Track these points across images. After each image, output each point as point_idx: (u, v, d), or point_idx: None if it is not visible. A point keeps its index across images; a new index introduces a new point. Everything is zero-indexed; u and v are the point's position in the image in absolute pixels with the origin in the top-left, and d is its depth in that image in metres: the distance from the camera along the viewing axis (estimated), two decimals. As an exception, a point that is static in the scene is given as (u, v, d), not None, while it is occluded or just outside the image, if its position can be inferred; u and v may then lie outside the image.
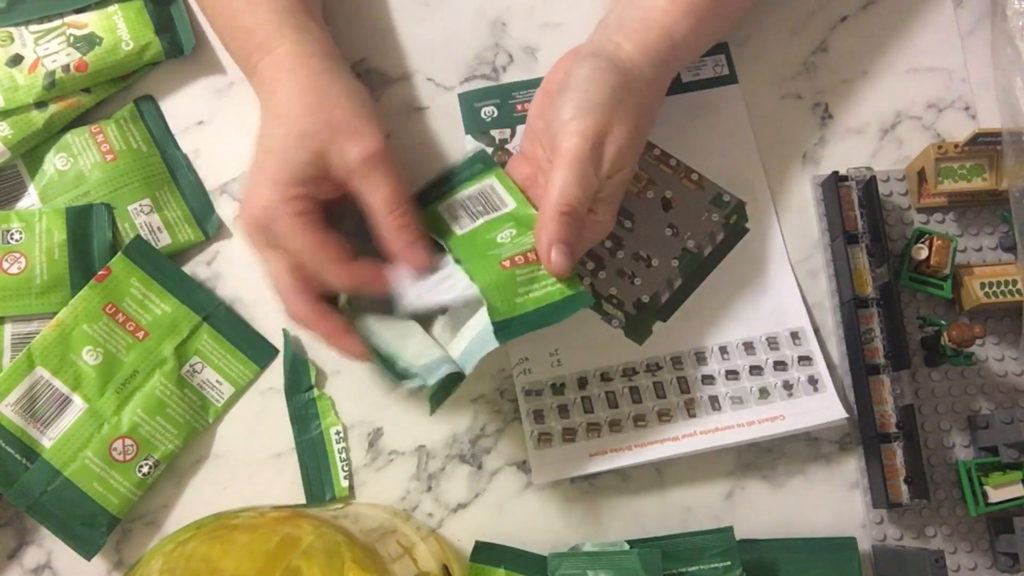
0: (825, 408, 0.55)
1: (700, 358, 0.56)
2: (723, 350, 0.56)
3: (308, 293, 0.51)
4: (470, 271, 0.50)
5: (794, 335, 0.57)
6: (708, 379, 0.56)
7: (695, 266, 0.58)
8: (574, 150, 0.48)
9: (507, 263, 0.50)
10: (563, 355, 0.56)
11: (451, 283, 0.50)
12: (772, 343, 0.56)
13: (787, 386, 0.55)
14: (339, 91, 0.51)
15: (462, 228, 0.53)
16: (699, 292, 0.57)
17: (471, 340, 0.50)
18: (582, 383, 0.56)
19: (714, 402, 0.55)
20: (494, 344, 0.47)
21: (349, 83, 0.52)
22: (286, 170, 0.49)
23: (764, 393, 0.55)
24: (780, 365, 0.56)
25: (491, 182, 0.55)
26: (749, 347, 0.56)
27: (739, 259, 0.58)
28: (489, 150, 0.59)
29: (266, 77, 0.52)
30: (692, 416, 0.55)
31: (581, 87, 0.50)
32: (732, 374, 0.56)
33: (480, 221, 0.53)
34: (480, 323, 0.49)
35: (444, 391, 0.50)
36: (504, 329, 0.48)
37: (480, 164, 0.56)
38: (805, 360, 0.56)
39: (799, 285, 0.58)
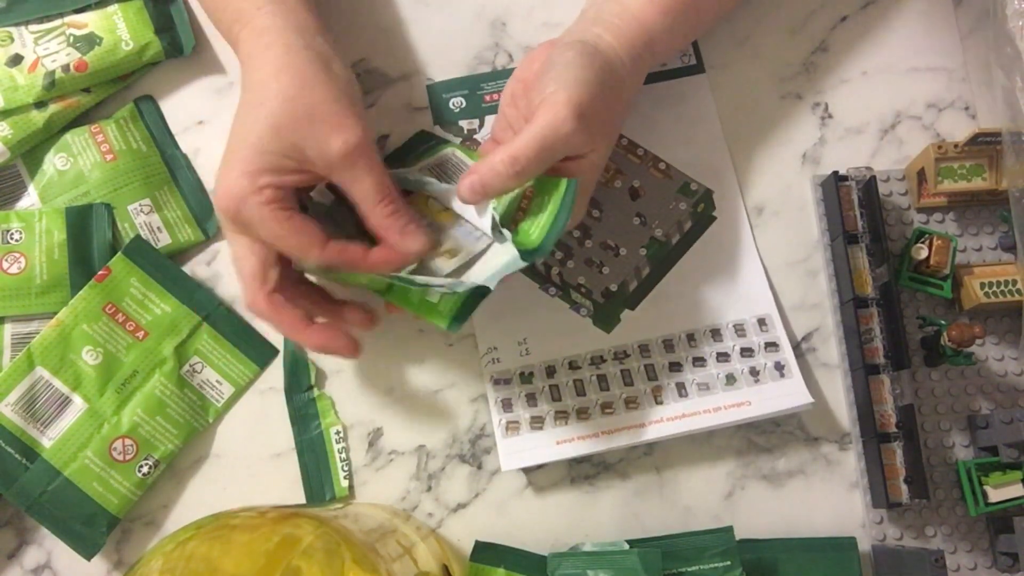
0: (791, 394, 0.55)
1: (667, 346, 0.56)
2: (690, 337, 0.56)
3: (266, 284, 0.50)
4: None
5: (761, 322, 0.57)
6: (675, 366, 0.56)
7: (663, 254, 0.58)
8: (549, 115, 0.48)
9: (519, 214, 0.51)
10: (531, 344, 0.56)
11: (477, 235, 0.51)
12: (739, 330, 0.57)
13: (753, 372, 0.56)
14: (316, 73, 0.49)
15: (445, 194, 0.53)
16: (667, 280, 0.58)
17: (498, 267, 0.49)
18: (550, 371, 0.56)
19: (681, 389, 0.55)
20: (521, 264, 0.48)
21: (328, 63, 0.50)
22: (258, 161, 0.48)
23: (731, 379, 0.55)
24: (747, 352, 0.56)
25: (452, 151, 0.56)
26: (716, 334, 0.56)
27: (707, 247, 0.58)
28: (457, 140, 0.59)
29: (246, 51, 0.51)
30: (659, 403, 0.55)
31: (565, 65, 0.50)
32: (699, 361, 0.56)
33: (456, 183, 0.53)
34: (504, 255, 0.50)
35: (469, 306, 0.50)
36: (530, 253, 0.49)
37: (432, 140, 0.57)
38: (771, 346, 0.56)
39: (766, 272, 0.58)
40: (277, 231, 0.48)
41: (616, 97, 0.51)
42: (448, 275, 0.50)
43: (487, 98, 0.60)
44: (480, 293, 0.49)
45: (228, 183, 0.49)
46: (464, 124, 0.60)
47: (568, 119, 0.48)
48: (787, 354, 0.56)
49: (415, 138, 0.59)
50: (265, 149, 0.48)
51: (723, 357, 0.56)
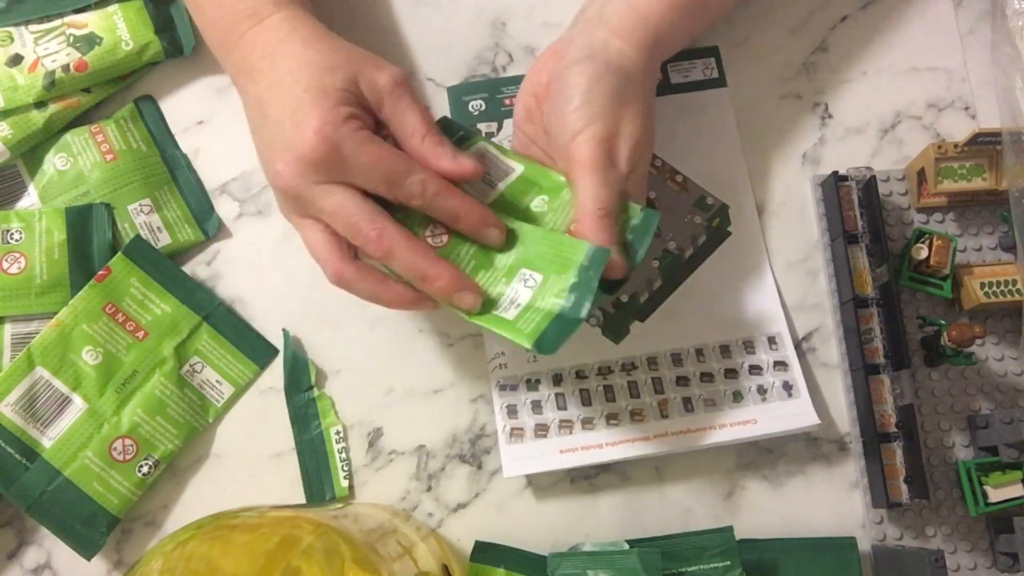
0: (798, 414, 0.55)
1: (676, 359, 0.56)
2: (699, 352, 0.56)
3: (350, 252, 0.49)
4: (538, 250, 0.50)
5: (771, 340, 0.57)
6: (683, 380, 0.56)
7: (675, 267, 0.58)
8: (591, 157, 0.49)
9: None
10: None
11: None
12: (748, 347, 0.56)
13: (761, 391, 0.55)
14: (342, 40, 0.51)
15: (485, 196, 0.52)
16: (678, 293, 0.57)
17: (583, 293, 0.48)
18: (557, 380, 0.56)
19: (687, 404, 0.55)
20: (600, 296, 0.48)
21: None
22: (331, 97, 0.48)
23: (738, 397, 0.55)
24: (755, 369, 0.56)
25: (484, 146, 0.54)
26: (725, 350, 0.56)
27: (720, 262, 0.58)
28: (482, 132, 0.59)
29: (258, 44, 0.51)
30: (664, 417, 0.55)
31: (584, 96, 0.50)
32: (707, 376, 0.56)
33: (501, 186, 0.53)
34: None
35: (556, 331, 0.47)
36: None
37: (460, 130, 0.55)
38: (780, 365, 0.56)
39: (779, 290, 0.58)
40: (378, 153, 0.47)
41: (639, 104, 0.51)
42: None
43: (506, 102, 0.60)
44: (570, 317, 0.47)
45: (314, 123, 0.47)
46: (483, 127, 0.60)
47: (606, 154, 0.49)
48: (796, 373, 0.56)
49: (442, 127, 0.56)
50: (329, 87, 0.48)
51: (731, 374, 0.56)
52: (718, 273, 0.58)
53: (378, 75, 0.49)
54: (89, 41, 0.59)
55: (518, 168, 0.53)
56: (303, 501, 0.56)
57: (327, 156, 0.47)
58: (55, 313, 0.55)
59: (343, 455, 0.56)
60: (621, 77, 0.50)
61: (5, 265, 0.56)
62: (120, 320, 0.56)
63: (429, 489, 0.56)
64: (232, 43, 0.52)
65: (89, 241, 0.57)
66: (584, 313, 0.46)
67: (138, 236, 0.57)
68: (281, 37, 0.50)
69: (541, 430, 0.55)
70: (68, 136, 0.59)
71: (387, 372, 0.57)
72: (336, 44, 0.51)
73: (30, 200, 0.58)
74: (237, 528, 0.46)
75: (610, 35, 0.52)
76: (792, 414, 0.55)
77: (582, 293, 0.47)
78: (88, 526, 0.53)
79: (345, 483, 0.55)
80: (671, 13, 0.53)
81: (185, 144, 0.61)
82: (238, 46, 0.51)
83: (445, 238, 0.50)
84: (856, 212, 0.57)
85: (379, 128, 0.50)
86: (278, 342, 0.58)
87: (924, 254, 0.56)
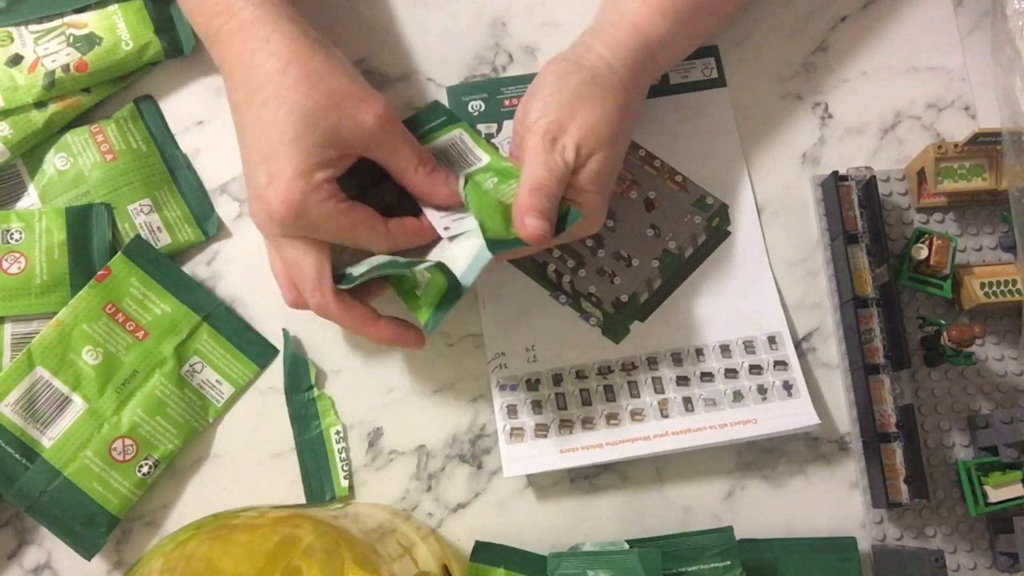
0: (798, 414, 0.55)
1: (676, 359, 0.56)
2: (699, 352, 0.56)
3: (330, 284, 0.50)
4: (475, 211, 0.51)
5: (771, 339, 0.57)
6: (683, 380, 0.56)
7: (675, 267, 0.58)
8: (534, 144, 0.50)
9: (507, 203, 0.51)
10: (539, 351, 0.56)
11: (467, 223, 0.52)
12: (748, 347, 0.56)
13: (761, 390, 0.55)
14: (324, 60, 0.49)
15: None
16: (678, 293, 0.58)
17: (469, 262, 0.50)
18: (557, 380, 0.56)
19: (687, 403, 0.55)
20: (488, 256, 0.48)
21: (329, 48, 0.51)
22: (305, 158, 0.47)
23: (738, 396, 0.55)
24: (755, 369, 0.56)
25: (459, 134, 0.56)
26: (725, 350, 0.56)
27: (720, 262, 0.58)
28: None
29: (232, 47, 0.50)
30: (665, 416, 0.55)
31: (546, 90, 0.51)
32: (707, 376, 0.56)
33: (462, 175, 0.53)
34: (475, 244, 0.49)
35: (446, 304, 0.49)
36: (497, 244, 0.49)
37: (443, 116, 0.57)
38: (780, 365, 0.56)
39: (779, 290, 0.58)
40: (345, 224, 0.49)
41: (604, 103, 0.51)
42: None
43: (506, 103, 0.60)
44: (455, 295, 0.49)
45: (283, 188, 0.47)
46: (483, 127, 0.60)
47: (548, 143, 0.50)
48: (796, 373, 0.56)
49: (426, 111, 0.57)
50: (306, 144, 0.48)
51: (731, 373, 0.56)
52: (718, 273, 0.58)
53: (362, 115, 0.49)
54: (89, 41, 0.59)
55: (484, 158, 0.54)
56: (303, 501, 0.56)
57: (292, 222, 0.48)
58: (55, 313, 0.55)
59: (343, 455, 0.56)
60: (587, 76, 0.51)
61: (5, 265, 0.56)
62: (120, 320, 0.56)
63: (429, 489, 0.56)
64: (210, 38, 0.52)
65: (89, 241, 0.57)
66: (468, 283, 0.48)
67: (138, 236, 0.57)
68: (253, 47, 0.49)
69: (541, 430, 0.55)
70: (68, 136, 0.59)
71: (387, 372, 0.57)
72: (312, 71, 0.48)
73: (30, 200, 0.58)
74: (237, 528, 0.46)
75: (595, 42, 0.53)
76: (792, 414, 0.55)
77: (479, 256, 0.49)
78: (88, 526, 0.53)
79: (345, 483, 0.55)
80: (664, 21, 0.53)
81: (185, 144, 0.61)
82: (216, 41, 0.51)
83: None
84: (856, 212, 0.57)
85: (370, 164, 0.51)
86: (278, 342, 0.58)
87: (924, 254, 0.56)
